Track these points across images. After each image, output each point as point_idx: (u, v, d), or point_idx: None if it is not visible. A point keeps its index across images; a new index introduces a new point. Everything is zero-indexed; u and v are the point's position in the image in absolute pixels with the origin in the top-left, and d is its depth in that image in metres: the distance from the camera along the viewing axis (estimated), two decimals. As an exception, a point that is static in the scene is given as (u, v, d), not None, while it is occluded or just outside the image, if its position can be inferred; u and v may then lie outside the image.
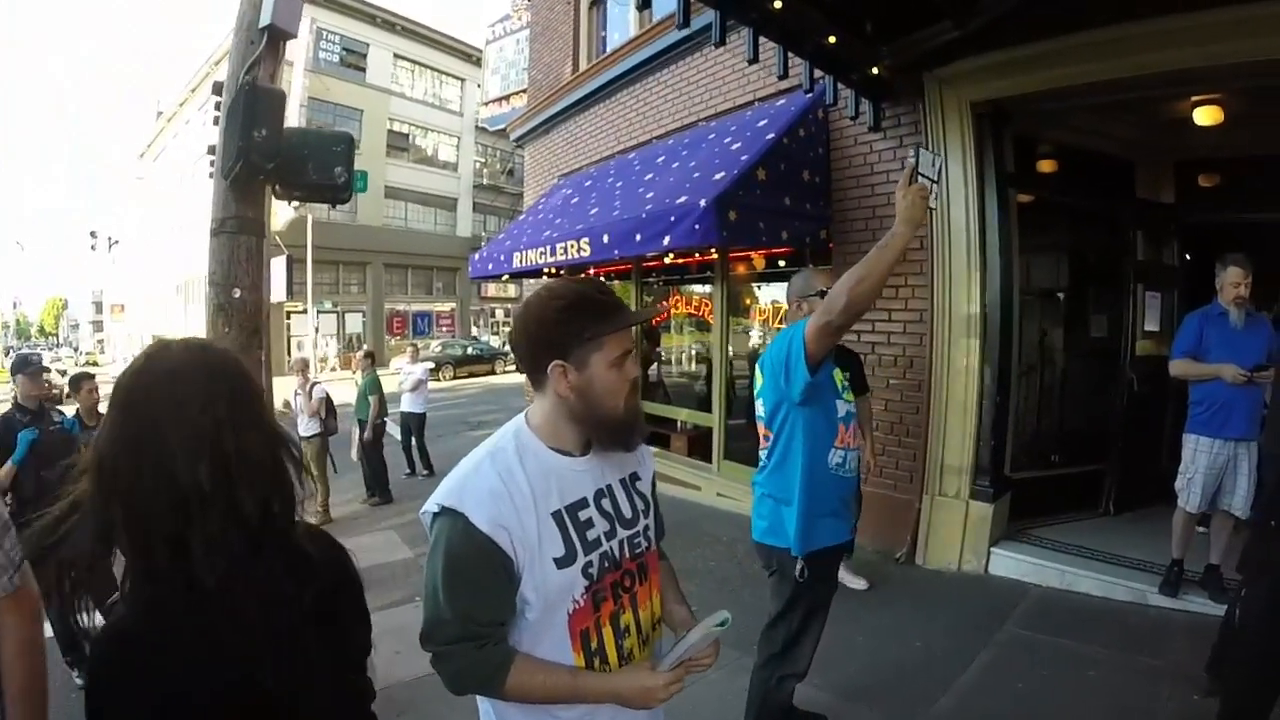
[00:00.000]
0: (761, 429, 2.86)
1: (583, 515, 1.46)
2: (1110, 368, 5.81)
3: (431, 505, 1.39)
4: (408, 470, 9.71)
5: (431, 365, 13.32)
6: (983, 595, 4.68)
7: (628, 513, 1.55)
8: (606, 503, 1.51)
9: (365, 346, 9.55)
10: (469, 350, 29.13)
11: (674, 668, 1.44)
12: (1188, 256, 6.01)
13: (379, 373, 9.12)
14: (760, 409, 2.86)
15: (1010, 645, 4.01)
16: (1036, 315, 5.82)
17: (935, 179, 2.43)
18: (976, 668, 3.78)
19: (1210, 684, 3.29)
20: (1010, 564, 4.90)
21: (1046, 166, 5.76)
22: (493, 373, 27.90)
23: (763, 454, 2.87)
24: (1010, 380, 5.18)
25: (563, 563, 1.40)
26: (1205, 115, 5.10)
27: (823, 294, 2.68)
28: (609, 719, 1.48)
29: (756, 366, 2.94)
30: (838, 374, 2.77)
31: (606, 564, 1.47)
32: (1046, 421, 5.92)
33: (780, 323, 6.75)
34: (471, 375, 27.23)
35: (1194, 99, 5.04)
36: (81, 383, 4.88)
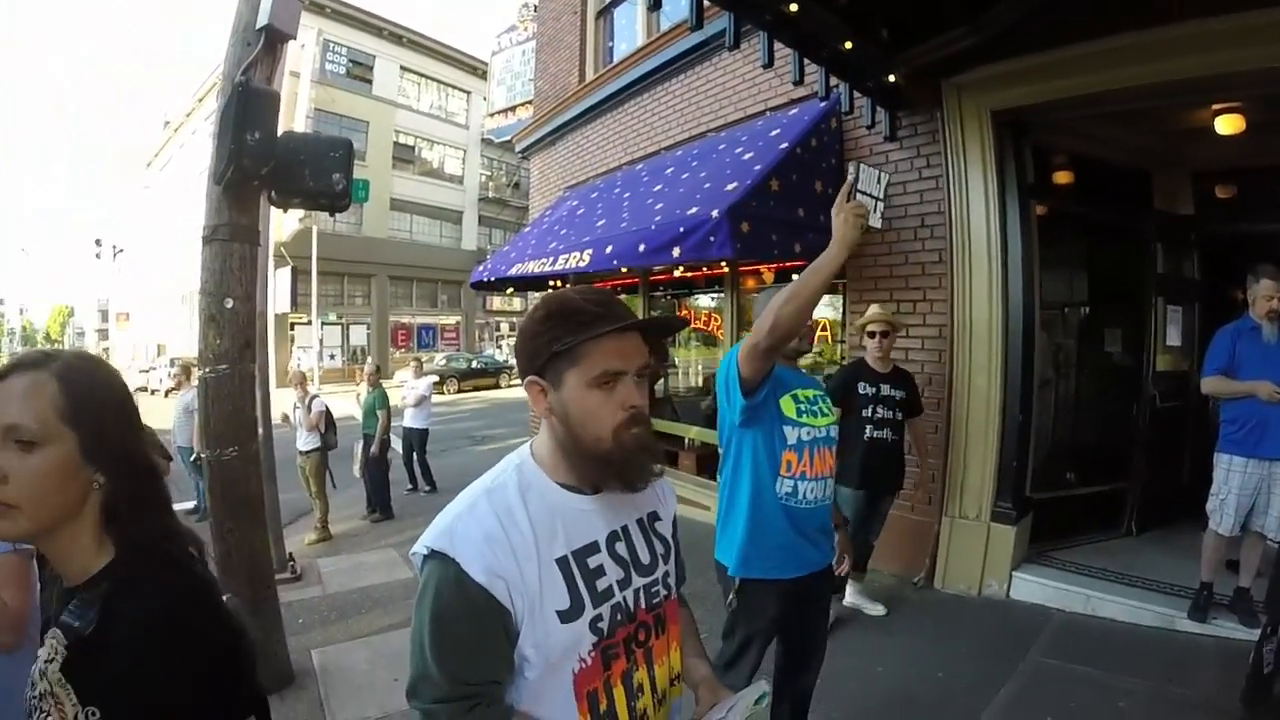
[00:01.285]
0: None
1: (592, 562, 1.26)
2: (1131, 383, 5.62)
3: (421, 547, 1.22)
4: (410, 486, 9.56)
5: (436, 379, 13.08)
6: (1005, 621, 4.49)
7: (645, 558, 1.36)
8: (621, 547, 1.32)
9: (372, 360, 9.36)
10: (473, 364, 28.86)
11: None
12: (1210, 269, 5.83)
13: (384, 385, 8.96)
14: None
15: (1036, 675, 3.81)
16: (1056, 330, 5.66)
17: (880, 197, 2.31)
18: (1002, 699, 3.58)
19: (1245, 714, 3.11)
20: (1033, 588, 4.70)
21: (1063, 177, 5.59)
22: (497, 386, 27.70)
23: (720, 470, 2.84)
24: (1031, 398, 4.99)
25: (567, 616, 1.20)
26: (1226, 124, 4.98)
27: None
28: None
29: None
30: (797, 395, 2.61)
31: (619, 617, 1.27)
32: (1067, 440, 5.74)
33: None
34: (476, 389, 27.01)
35: (1215, 107, 4.91)
36: None
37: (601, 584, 1.26)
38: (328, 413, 7.67)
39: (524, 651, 1.19)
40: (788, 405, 2.56)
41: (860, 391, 4.37)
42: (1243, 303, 4.11)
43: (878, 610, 4.64)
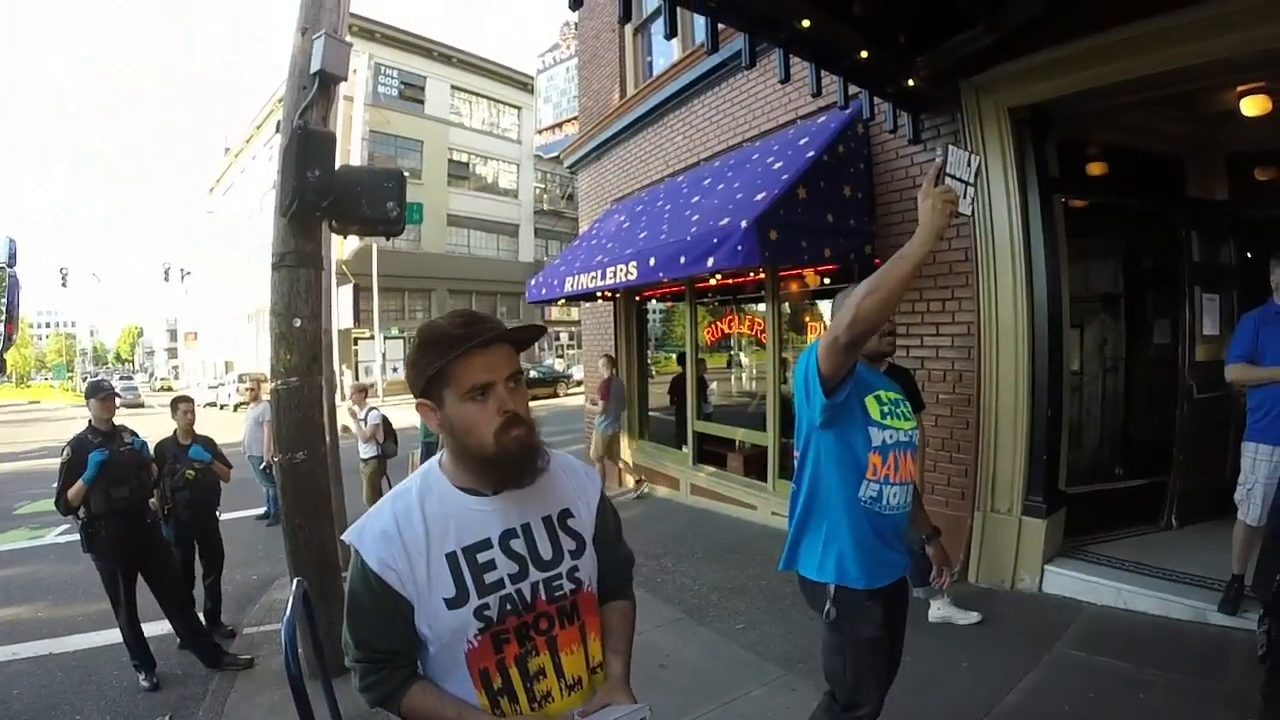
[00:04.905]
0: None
1: (482, 557, 1.44)
2: (1168, 375, 5.58)
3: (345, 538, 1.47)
4: None
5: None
6: (1035, 614, 4.55)
7: (546, 554, 1.50)
8: (518, 543, 1.47)
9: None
10: (531, 373, 29.16)
11: None
12: (1249, 255, 5.73)
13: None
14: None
15: (1060, 666, 3.89)
16: (1090, 323, 5.68)
17: (970, 181, 2.17)
18: (1023, 689, 3.68)
19: (1263, 709, 3.08)
20: (1065, 581, 4.75)
21: (1094, 169, 5.61)
22: (555, 395, 28.29)
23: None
24: (1061, 392, 5.03)
25: (453, 604, 1.40)
26: (1252, 105, 4.94)
27: None
28: None
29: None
30: (880, 396, 2.44)
31: (509, 606, 1.44)
32: (1103, 433, 5.75)
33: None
34: (535, 398, 27.22)
35: (1240, 89, 4.90)
36: (178, 404, 5.41)
37: (490, 577, 1.43)
38: (386, 423, 8.13)
39: (421, 630, 1.41)
40: (872, 406, 2.41)
41: None
42: (1280, 288, 4.10)
43: (971, 618, 4.48)
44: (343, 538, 1.47)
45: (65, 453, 4.51)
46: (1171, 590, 4.39)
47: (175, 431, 5.35)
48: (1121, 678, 3.68)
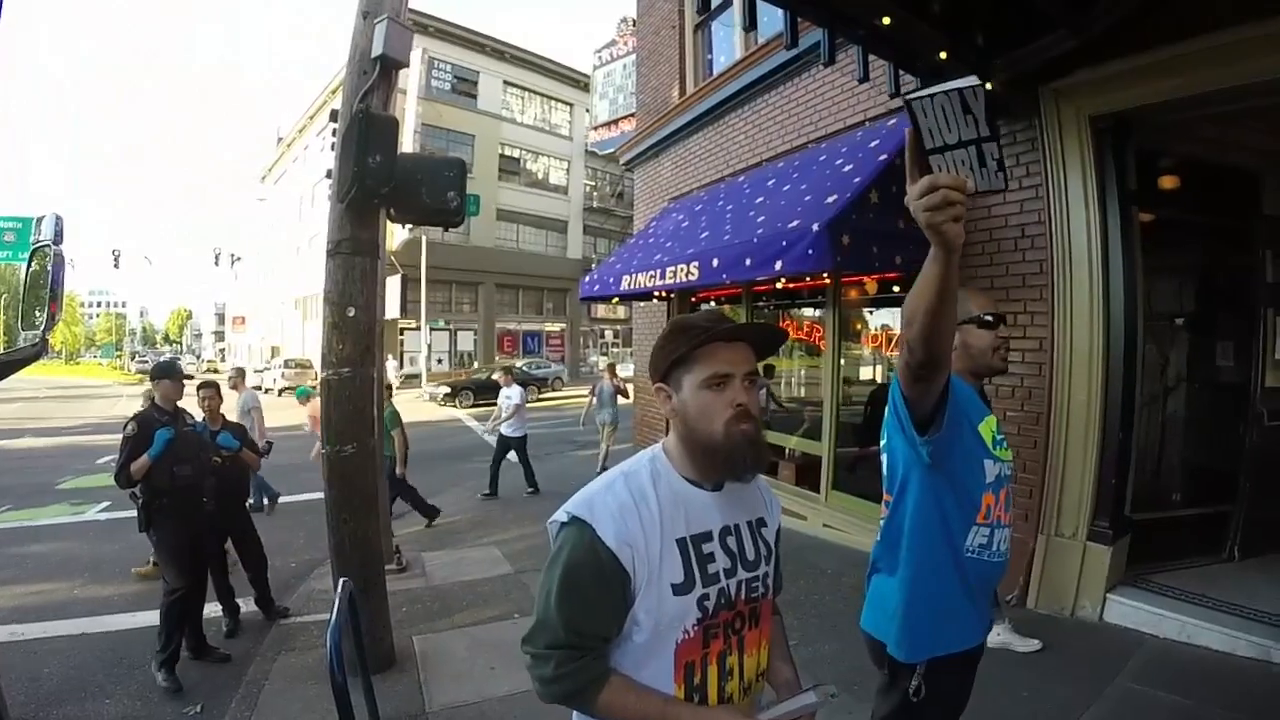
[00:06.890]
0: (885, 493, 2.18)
1: (706, 548, 1.44)
2: (1236, 400, 5.32)
3: (561, 514, 1.42)
4: (487, 491, 9.54)
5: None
6: (1096, 644, 4.37)
7: (750, 555, 1.52)
8: (732, 541, 1.49)
9: (388, 376, 8.10)
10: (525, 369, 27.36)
11: None
12: None
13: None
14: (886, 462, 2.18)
15: (1120, 701, 3.72)
16: (1159, 343, 5.44)
17: (979, 135, 1.20)
18: (1084, 723, 3.51)
19: None
20: (1127, 611, 4.54)
21: (1168, 182, 5.33)
22: (539, 397, 26.34)
23: (883, 521, 2.17)
24: (1134, 414, 4.82)
25: (680, 589, 1.38)
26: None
27: (980, 320, 2.21)
28: None
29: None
30: (989, 423, 2.07)
31: (722, 600, 1.44)
32: (1169, 459, 5.51)
33: (894, 350, 6.55)
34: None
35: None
36: (200, 390, 5.41)
37: (711, 568, 1.43)
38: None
39: (637, 616, 1.36)
40: (986, 434, 2.04)
41: None
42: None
43: (1031, 646, 4.32)
44: (566, 509, 1.41)
45: (130, 428, 4.52)
46: (1236, 626, 4.18)
47: (203, 418, 5.27)
48: (1183, 715, 3.53)
